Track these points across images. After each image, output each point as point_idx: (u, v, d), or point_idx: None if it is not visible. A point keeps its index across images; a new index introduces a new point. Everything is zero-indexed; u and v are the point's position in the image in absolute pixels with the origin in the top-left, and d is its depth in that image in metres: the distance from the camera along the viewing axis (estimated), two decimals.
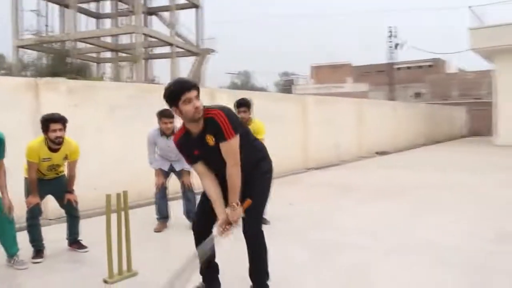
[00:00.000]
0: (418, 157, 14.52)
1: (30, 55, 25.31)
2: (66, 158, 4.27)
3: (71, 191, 4.42)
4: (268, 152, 3.20)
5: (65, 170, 4.48)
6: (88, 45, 31.21)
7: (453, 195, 7.24)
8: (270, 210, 5.38)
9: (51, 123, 4.00)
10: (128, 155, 6.89)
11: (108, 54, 33.31)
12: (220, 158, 2.87)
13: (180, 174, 5.39)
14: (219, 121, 2.77)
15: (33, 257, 4.18)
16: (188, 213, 5.38)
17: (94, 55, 33.06)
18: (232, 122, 2.81)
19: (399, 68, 55.40)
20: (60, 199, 4.45)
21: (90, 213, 5.78)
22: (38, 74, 22.06)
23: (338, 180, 9.30)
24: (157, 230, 5.23)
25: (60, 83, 6.30)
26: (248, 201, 2.90)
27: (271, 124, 9.82)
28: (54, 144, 4.08)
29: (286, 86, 50.44)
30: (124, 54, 30.87)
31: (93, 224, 5.01)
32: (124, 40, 32.29)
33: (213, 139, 2.84)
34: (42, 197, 4.30)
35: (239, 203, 2.87)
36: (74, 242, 4.55)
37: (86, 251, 4.47)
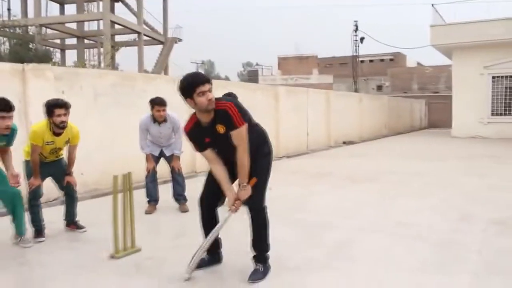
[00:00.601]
0: (383, 147, 15.20)
1: None
2: (67, 142, 4.47)
3: (70, 174, 4.62)
4: (267, 136, 3.53)
5: (64, 153, 4.68)
6: (52, 31, 30.46)
7: (419, 181, 7.80)
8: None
9: (56, 108, 4.18)
10: (111, 141, 7.06)
11: (73, 41, 32.56)
12: (228, 144, 3.19)
13: (170, 159, 5.63)
14: (231, 113, 3.10)
15: (35, 237, 4.39)
16: (177, 196, 5.65)
17: (58, 41, 32.27)
18: (242, 112, 3.16)
19: (362, 61, 56.76)
20: (59, 181, 4.65)
21: (79, 197, 5.94)
22: (1, 60, 21.44)
23: (310, 167, 9.75)
24: (148, 212, 5.47)
25: (47, 69, 6.39)
26: (254, 179, 3.25)
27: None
28: (58, 129, 4.28)
29: (251, 76, 50.62)
30: (88, 41, 30.31)
31: (84, 207, 5.22)
32: (88, 27, 31.74)
33: (224, 128, 3.15)
34: (43, 179, 4.48)
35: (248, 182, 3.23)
36: (72, 222, 4.76)
37: (84, 231, 4.70)
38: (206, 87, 3.03)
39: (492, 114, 18.28)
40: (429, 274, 3.43)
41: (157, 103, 5.34)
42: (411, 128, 25.34)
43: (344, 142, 16.00)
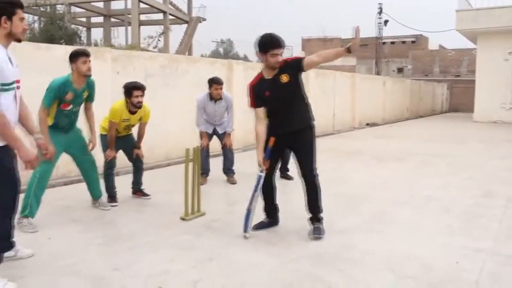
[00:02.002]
0: (406, 129, 15.65)
1: (27, 19, 25.19)
2: (140, 119, 5.11)
3: (139, 147, 5.27)
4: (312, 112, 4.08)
5: (133, 130, 5.32)
6: (78, 10, 31.08)
7: (443, 161, 8.32)
8: (291, 170, 6.39)
9: (134, 90, 4.82)
10: (159, 118, 7.70)
11: (98, 20, 33.19)
12: (290, 93, 3.83)
13: (222, 136, 6.24)
14: (293, 59, 3.88)
15: (109, 201, 5.05)
16: (226, 170, 6.28)
17: (84, 20, 32.93)
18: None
19: (384, 43, 56.44)
20: (129, 154, 5.31)
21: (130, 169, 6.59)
22: (35, 38, 22.12)
23: (340, 146, 10.35)
24: (201, 184, 6.09)
25: (106, 52, 7.03)
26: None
27: None
28: (135, 108, 4.91)
29: None
30: (115, 20, 30.91)
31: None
32: (114, 6, 32.30)
33: (288, 76, 3.78)
34: (116, 151, 5.13)
35: None
36: (139, 190, 5.43)
37: (149, 198, 5.35)
38: (279, 50, 3.69)
39: None
40: (455, 236, 4.03)
41: (216, 81, 5.96)
42: (432, 112, 25.61)
43: (367, 124, 16.47)
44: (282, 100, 3.86)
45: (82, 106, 4.52)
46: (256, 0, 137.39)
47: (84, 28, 33.27)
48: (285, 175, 6.49)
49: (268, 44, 3.69)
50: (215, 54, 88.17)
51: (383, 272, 3.26)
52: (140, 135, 5.24)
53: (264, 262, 3.43)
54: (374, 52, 31.99)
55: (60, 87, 4.15)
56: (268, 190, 4.13)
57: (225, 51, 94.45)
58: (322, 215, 4.07)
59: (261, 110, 3.92)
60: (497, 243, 3.90)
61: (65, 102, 4.22)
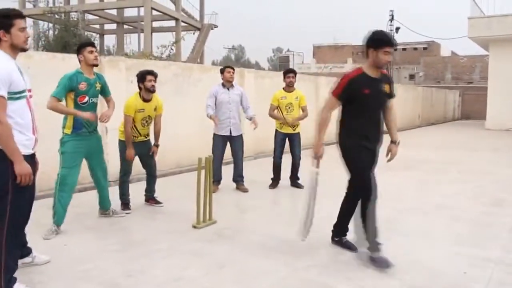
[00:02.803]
0: (418, 136, 15.63)
1: (42, 26, 25.63)
2: (155, 109, 5.23)
3: (157, 145, 5.37)
4: None
5: (150, 133, 5.40)
6: (92, 17, 31.51)
7: (454, 169, 8.33)
8: (302, 177, 6.49)
9: (148, 75, 5.09)
10: (172, 124, 7.83)
11: (111, 26, 33.60)
12: (382, 102, 3.74)
13: (237, 142, 6.26)
14: (392, 81, 3.81)
15: (123, 209, 5.16)
16: (237, 177, 6.35)
17: (97, 26, 33.36)
18: None
19: (395, 49, 56.30)
20: (144, 161, 5.41)
21: (141, 176, 6.69)
22: (49, 45, 22.45)
23: None
24: (212, 192, 6.15)
25: (120, 61, 7.18)
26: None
27: None
28: (149, 93, 5.09)
29: (282, 62, 50.88)
30: (128, 26, 31.27)
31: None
32: (127, 13, 32.70)
33: (389, 88, 3.73)
34: (133, 158, 5.21)
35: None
36: (151, 198, 5.54)
37: (161, 206, 5.45)
38: (391, 49, 3.49)
39: None
40: (464, 246, 4.06)
41: (227, 66, 6.25)
42: (444, 119, 25.50)
43: None
44: (379, 103, 3.71)
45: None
46: (268, 6, 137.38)
47: (98, 35, 33.74)
48: (295, 184, 6.55)
49: (383, 40, 3.50)
50: (226, 60, 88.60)
51: (392, 280, 3.31)
52: (157, 130, 5.34)
53: (274, 270, 3.51)
54: None
55: (72, 78, 4.28)
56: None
57: (237, 57, 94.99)
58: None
59: (338, 103, 3.70)
60: (505, 252, 3.92)
61: (81, 93, 4.33)
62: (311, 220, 3.87)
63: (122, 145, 5.17)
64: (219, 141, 6.24)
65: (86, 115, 4.27)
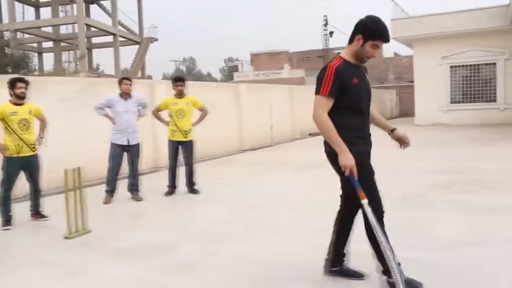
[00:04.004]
0: None
1: None
2: (30, 112, 5.31)
3: (42, 137, 5.51)
4: None
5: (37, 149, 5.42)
6: (27, 35, 30.82)
7: None
8: (202, 182, 6.63)
9: (17, 82, 5.20)
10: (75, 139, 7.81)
11: (49, 44, 32.94)
12: (370, 93, 3.14)
13: (133, 150, 6.33)
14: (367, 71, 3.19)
15: (3, 225, 5.13)
16: (131, 186, 6.42)
17: (35, 45, 32.64)
18: None
19: (338, 53, 57.50)
20: (32, 176, 5.41)
21: (48, 193, 6.65)
22: None
23: (267, 158, 10.62)
24: (105, 203, 6.20)
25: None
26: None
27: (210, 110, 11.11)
28: (19, 99, 5.19)
29: (232, 71, 51.28)
30: (65, 44, 30.73)
31: (49, 201, 5.95)
32: (65, 29, 32.15)
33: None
34: (17, 173, 5.26)
35: None
36: (37, 212, 5.52)
37: (47, 220, 5.44)
38: (381, 44, 2.94)
39: (451, 102, 19.30)
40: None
41: (125, 77, 6.35)
42: None
43: (310, 134, 16.84)
44: (369, 95, 3.13)
45: None
46: (209, 16, 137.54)
47: (35, 53, 32.99)
48: (192, 190, 6.66)
49: (379, 32, 2.89)
50: (177, 73, 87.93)
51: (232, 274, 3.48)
52: (42, 123, 5.62)
53: (127, 275, 3.61)
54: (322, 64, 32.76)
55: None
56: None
57: (188, 69, 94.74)
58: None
59: (330, 102, 2.94)
60: None
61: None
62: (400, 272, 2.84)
63: (4, 161, 5.19)
64: (117, 151, 6.27)
65: None
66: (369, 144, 3.14)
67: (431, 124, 19.05)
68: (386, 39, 2.92)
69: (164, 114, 6.81)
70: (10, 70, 22.92)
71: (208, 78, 79.56)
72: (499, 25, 17.18)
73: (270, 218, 5.11)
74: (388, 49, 52.30)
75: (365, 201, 2.87)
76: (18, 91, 5.16)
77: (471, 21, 17.69)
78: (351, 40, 2.97)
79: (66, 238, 4.62)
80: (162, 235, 4.60)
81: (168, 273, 3.57)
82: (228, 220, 5.13)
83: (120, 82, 6.34)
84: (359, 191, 2.88)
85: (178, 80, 6.69)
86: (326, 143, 3.05)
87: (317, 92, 2.95)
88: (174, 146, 6.59)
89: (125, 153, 6.37)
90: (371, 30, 2.89)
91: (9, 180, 5.22)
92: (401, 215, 4.85)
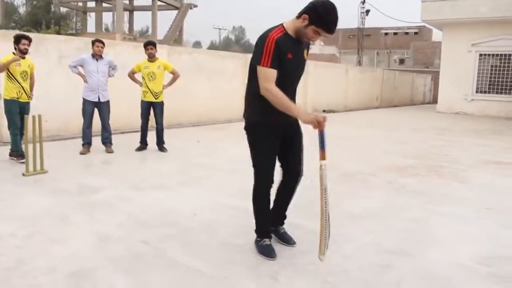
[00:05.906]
0: (359, 116, 16.15)
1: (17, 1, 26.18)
2: (29, 67, 6.16)
3: (31, 96, 6.29)
4: None
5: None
6: None
7: (342, 144, 8.92)
8: (180, 144, 7.17)
9: (22, 39, 5.99)
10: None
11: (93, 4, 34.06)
12: (302, 72, 3.13)
13: (104, 107, 6.91)
14: (309, 46, 3.22)
15: (20, 160, 5.97)
16: (104, 139, 7.05)
17: (80, 4, 33.84)
18: None
19: (386, 34, 56.18)
20: (20, 120, 6.07)
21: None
22: (21, 21, 22.99)
23: None
24: (82, 153, 6.83)
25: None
26: None
27: (215, 78, 11.68)
28: (22, 54, 5.99)
29: None
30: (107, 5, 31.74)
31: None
32: None
33: (307, 54, 3.15)
34: (18, 115, 6.05)
35: None
36: (17, 154, 6.19)
37: (23, 162, 6.09)
38: (324, 34, 2.89)
39: (477, 92, 18.78)
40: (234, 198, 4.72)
41: (97, 40, 6.85)
42: (411, 102, 25.89)
43: (324, 110, 17.03)
44: (299, 72, 3.12)
45: None
46: None
47: (75, 12, 34.19)
48: (161, 148, 7.21)
49: (326, 22, 2.84)
50: (226, 41, 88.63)
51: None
52: (32, 83, 6.35)
53: (58, 206, 4.20)
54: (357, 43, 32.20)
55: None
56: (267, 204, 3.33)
57: (237, 38, 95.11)
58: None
59: (275, 72, 2.89)
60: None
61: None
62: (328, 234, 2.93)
63: (7, 103, 5.99)
64: (89, 106, 6.86)
65: None
66: (285, 123, 3.06)
67: (454, 112, 18.67)
68: (330, 30, 2.86)
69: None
70: (51, 26, 24.16)
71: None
72: None
73: (208, 177, 5.58)
74: (438, 33, 50.90)
75: (323, 162, 2.85)
76: (22, 46, 5.98)
77: (505, 8, 17.04)
78: (299, 16, 2.90)
79: (23, 175, 5.30)
80: (102, 180, 5.18)
81: (80, 208, 4.13)
82: (169, 175, 5.65)
83: (92, 44, 6.85)
84: (320, 151, 2.86)
85: (148, 44, 7.19)
86: (248, 115, 3.19)
87: (258, 62, 2.89)
88: (146, 106, 7.13)
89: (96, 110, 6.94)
90: (319, 17, 2.82)
91: (13, 121, 6.03)
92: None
